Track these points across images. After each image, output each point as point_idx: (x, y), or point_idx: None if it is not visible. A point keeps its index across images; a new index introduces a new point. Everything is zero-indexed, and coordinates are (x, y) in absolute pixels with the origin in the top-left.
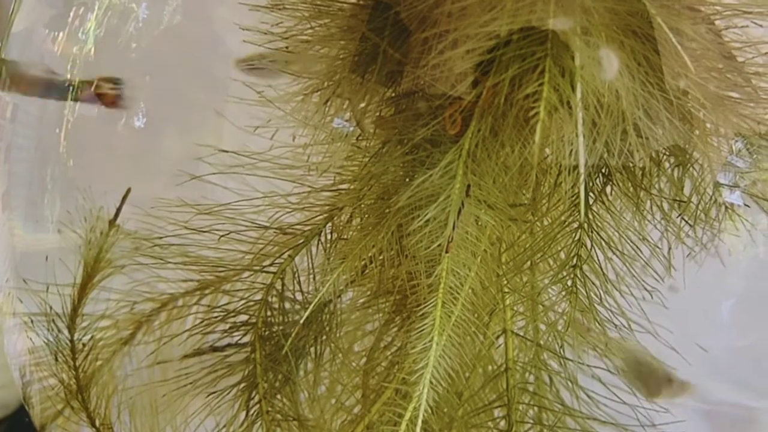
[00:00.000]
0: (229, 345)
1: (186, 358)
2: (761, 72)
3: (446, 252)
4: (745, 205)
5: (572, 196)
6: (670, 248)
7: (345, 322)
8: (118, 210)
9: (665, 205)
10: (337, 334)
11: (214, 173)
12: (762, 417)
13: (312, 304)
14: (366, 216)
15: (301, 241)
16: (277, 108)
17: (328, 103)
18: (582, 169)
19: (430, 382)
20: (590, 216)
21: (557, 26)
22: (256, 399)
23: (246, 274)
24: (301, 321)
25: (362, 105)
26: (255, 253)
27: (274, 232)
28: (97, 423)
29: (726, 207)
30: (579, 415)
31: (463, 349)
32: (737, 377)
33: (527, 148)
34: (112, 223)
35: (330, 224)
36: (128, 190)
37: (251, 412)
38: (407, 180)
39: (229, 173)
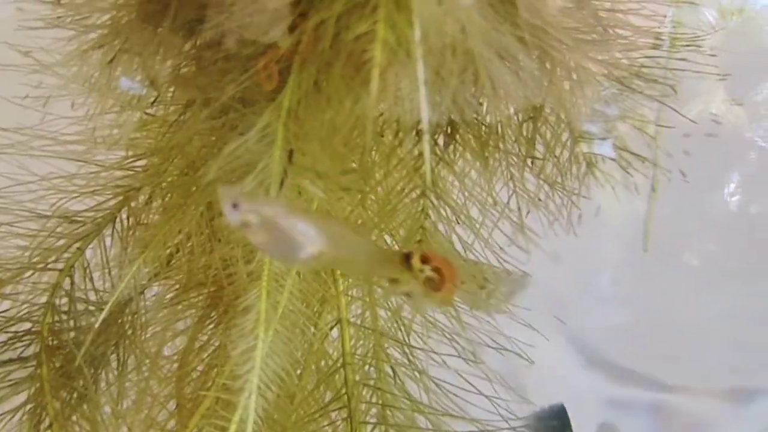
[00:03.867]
0: (9, 360)
1: None
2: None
3: None
4: (612, 159)
5: (412, 159)
6: (526, 212)
7: (151, 322)
8: None
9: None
10: (143, 337)
11: None
12: None
13: (109, 304)
14: (169, 195)
15: (91, 230)
16: (53, 72)
17: (114, 62)
18: (426, 126)
19: (258, 388)
20: (434, 181)
21: None
22: (47, 423)
23: (26, 273)
24: (97, 324)
25: (156, 62)
26: (35, 248)
27: (58, 222)
28: None
29: (590, 161)
30: (429, 411)
31: (293, 344)
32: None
33: (359, 103)
34: None
35: (126, 208)
36: None
37: None
38: (216, 149)
39: None
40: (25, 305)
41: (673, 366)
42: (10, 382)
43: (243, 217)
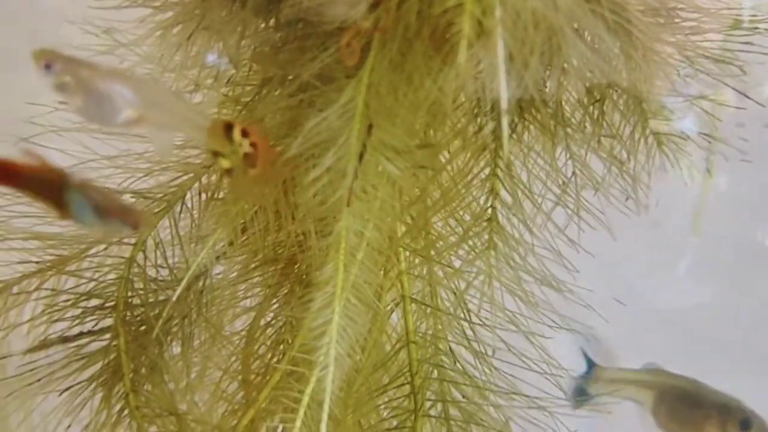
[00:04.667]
0: (82, 333)
1: (31, 352)
2: None
3: (348, 205)
4: (701, 134)
5: (482, 138)
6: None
7: (218, 298)
8: None
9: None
10: (211, 312)
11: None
12: None
13: (185, 278)
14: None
15: (162, 206)
16: (130, 50)
17: (192, 39)
18: (504, 104)
19: (335, 360)
20: (501, 159)
21: None
22: (122, 392)
23: (96, 249)
24: (174, 298)
25: (235, 39)
26: None
27: (130, 198)
28: None
29: (660, 140)
30: (491, 389)
31: (362, 318)
32: None
33: (442, 77)
34: None
35: (197, 185)
36: None
37: (117, 407)
38: (294, 126)
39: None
40: (92, 282)
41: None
42: (83, 355)
43: (58, 79)
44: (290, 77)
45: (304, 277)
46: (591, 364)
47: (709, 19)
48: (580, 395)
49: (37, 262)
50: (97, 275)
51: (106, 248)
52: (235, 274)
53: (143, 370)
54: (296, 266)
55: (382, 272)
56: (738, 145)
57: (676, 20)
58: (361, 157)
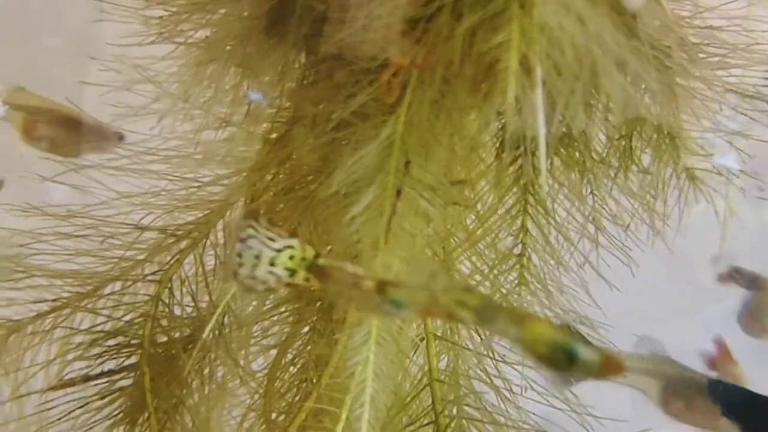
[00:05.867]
0: (110, 371)
1: (52, 390)
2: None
3: (385, 242)
4: (741, 171)
5: (516, 171)
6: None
7: (238, 336)
8: None
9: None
10: (232, 348)
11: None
12: None
13: (215, 314)
14: (276, 208)
15: (187, 243)
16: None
17: (223, 76)
18: (542, 139)
19: (371, 398)
20: (533, 195)
21: None
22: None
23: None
24: (204, 335)
25: (269, 76)
26: (132, 260)
27: (155, 237)
28: None
29: (693, 175)
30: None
31: (392, 356)
32: None
33: (483, 114)
34: None
35: (221, 222)
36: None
37: None
38: (326, 163)
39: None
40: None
41: None
42: (105, 393)
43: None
44: (324, 114)
45: (327, 314)
46: None
47: (743, 56)
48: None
49: (53, 300)
50: (120, 313)
51: (129, 286)
52: (256, 309)
53: (166, 408)
54: (319, 303)
55: None
56: None
57: (712, 57)
58: (398, 193)
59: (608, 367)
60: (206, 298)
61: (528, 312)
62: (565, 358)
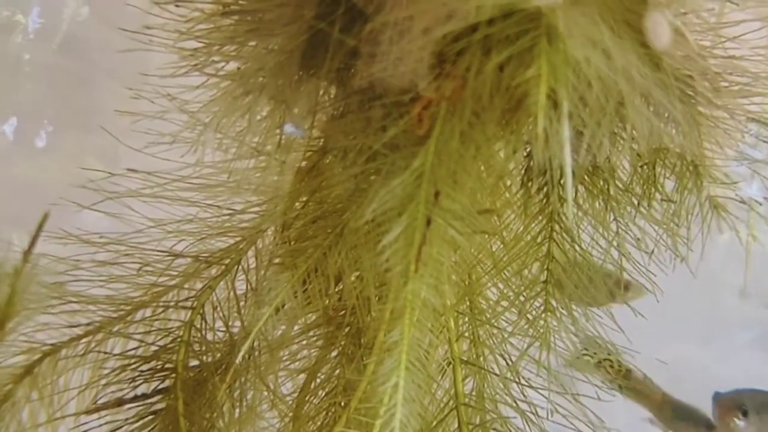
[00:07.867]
0: (144, 395)
1: (87, 414)
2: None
3: (416, 271)
4: (765, 198)
5: (542, 201)
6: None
7: (268, 360)
8: (35, 238)
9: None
10: (262, 373)
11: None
12: None
13: (248, 340)
14: (306, 238)
15: (219, 270)
16: (190, 118)
17: (255, 108)
18: (568, 169)
19: (401, 424)
20: (559, 223)
21: (546, 3)
22: None
23: (143, 312)
24: (237, 360)
25: (301, 109)
26: (165, 286)
27: (189, 262)
28: None
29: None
30: None
31: (420, 381)
32: None
33: (512, 143)
34: (27, 253)
35: (253, 250)
36: (45, 216)
37: None
38: (358, 193)
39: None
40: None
41: None
42: (139, 416)
43: None
44: (355, 145)
45: (356, 339)
46: None
47: (766, 85)
48: None
49: (87, 324)
50: (153, 338)
51: (162, 312)
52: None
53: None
54: (347, 328)
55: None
56: None
57: (735, 86)
58: (428, 222)
59: None
60: (238, 323)
61: None
62: None
